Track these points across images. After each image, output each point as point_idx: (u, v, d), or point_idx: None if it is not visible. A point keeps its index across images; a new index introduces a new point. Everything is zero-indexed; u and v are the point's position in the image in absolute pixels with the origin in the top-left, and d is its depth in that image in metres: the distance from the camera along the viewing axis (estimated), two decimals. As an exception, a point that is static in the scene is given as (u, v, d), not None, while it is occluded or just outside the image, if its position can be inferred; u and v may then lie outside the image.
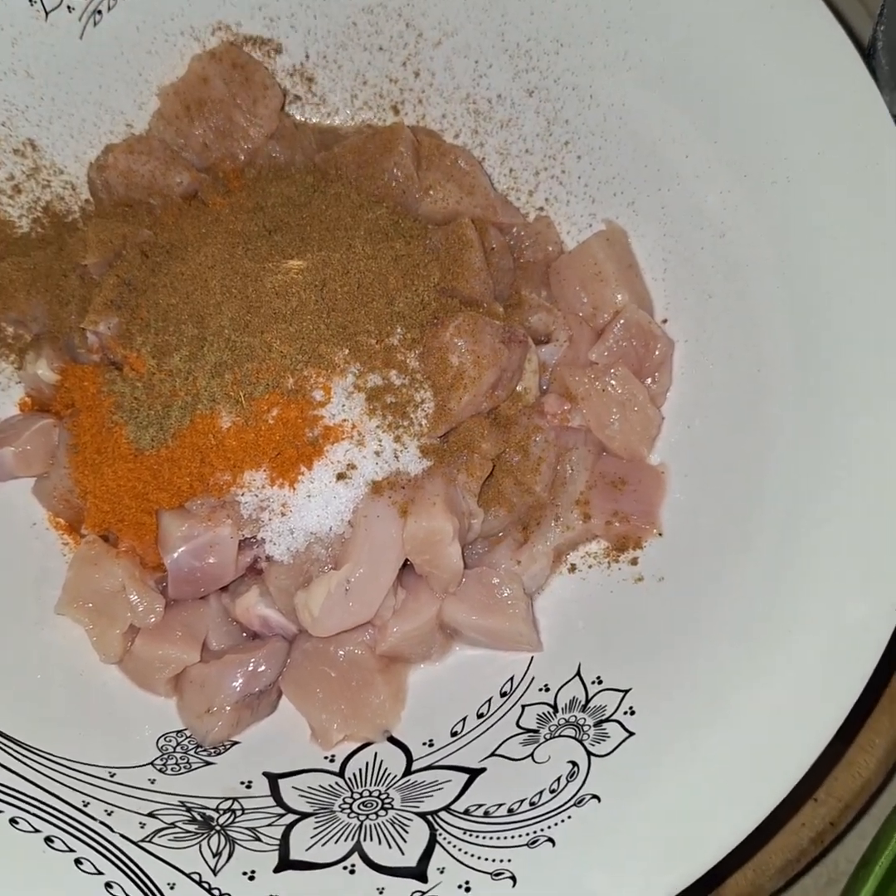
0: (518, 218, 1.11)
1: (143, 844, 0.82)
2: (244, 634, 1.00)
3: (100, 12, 1.04)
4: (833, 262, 0.93)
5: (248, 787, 0.91)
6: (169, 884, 0.80)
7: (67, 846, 0.80)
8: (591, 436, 1.05)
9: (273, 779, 0.92)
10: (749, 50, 0.96)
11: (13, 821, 0.81)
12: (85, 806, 0.84)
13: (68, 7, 1.03)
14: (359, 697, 0.97)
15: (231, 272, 0.95)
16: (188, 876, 0.81)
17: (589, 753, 0.87)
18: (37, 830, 0.81)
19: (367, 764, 0.94)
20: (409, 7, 1.08)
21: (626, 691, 0.90)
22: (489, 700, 0.97)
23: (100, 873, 0.79)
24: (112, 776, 0.88)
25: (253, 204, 1.04)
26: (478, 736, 0.94)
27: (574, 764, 0.87)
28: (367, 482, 0.94)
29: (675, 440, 1.04)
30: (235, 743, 0.96)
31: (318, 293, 0.94)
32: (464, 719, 0.96)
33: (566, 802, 0.84)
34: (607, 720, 0.89)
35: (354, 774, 0.93)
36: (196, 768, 0.92)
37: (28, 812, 0.82)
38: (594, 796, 0.84)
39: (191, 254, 0.99)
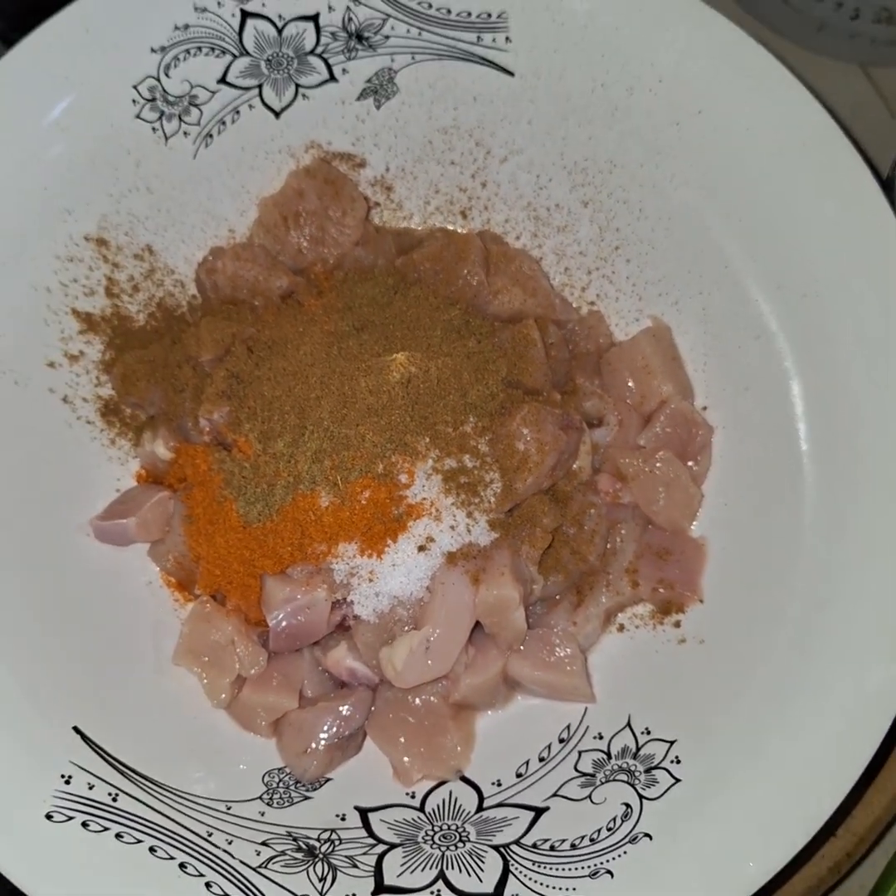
0: (573, 314, 1.25)
1: (260, 870, 0.95)
2: (333, 683, 1.14)
3: (211, 136, 1.19)
4: (854, 369, 1.05)
5: (343, 819, 1.04)
6: (285, 904, 0.94)
7: (198, 871, 0.93)
8: (639, 511, 1.17)
9: (364, 812, 1.05)
10: (783, 179, 1.09)
11: (152, 849, 0.94)
12: (209, 836, 0.97)
13: (184, 132, 1.17)
14: (434, 741, 1.10)
15: (328, 371, 1.09)
16: (300, 898, 0.94)
17: (641, 797, 1.00)
18: (172, 857, 0.94)
19: (443, 800, 1.07)
20: (480, 129, 1.22)
21: (673, 742, 1.03)
22: (549, 746, 1.09)
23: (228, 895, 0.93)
24: (228, 809, 1.01)
25: (342, 304, 1.17)
26: (540, 778, 1.06)
27: (628, 805, 1.00)
28: (443, 553, 1.06)
29: (715, 516, 1.16)
30: (329, 779, 1.08)
31: (404, 389, 1.08)
32: (527, 762, 1.08)
33: (622, 839, 0.97)
34: (656, 767, 1.02)
35: (433, 810, 1.06)
36: (297, 802, 1.05)
37: (163, 841, 0.95)
38: (646, 835, 0.96)
39: (291, 351, 1.13)
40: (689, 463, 1.18)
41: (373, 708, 1.12)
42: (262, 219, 1.22)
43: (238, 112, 1.18)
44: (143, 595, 1.16)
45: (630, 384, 1.21)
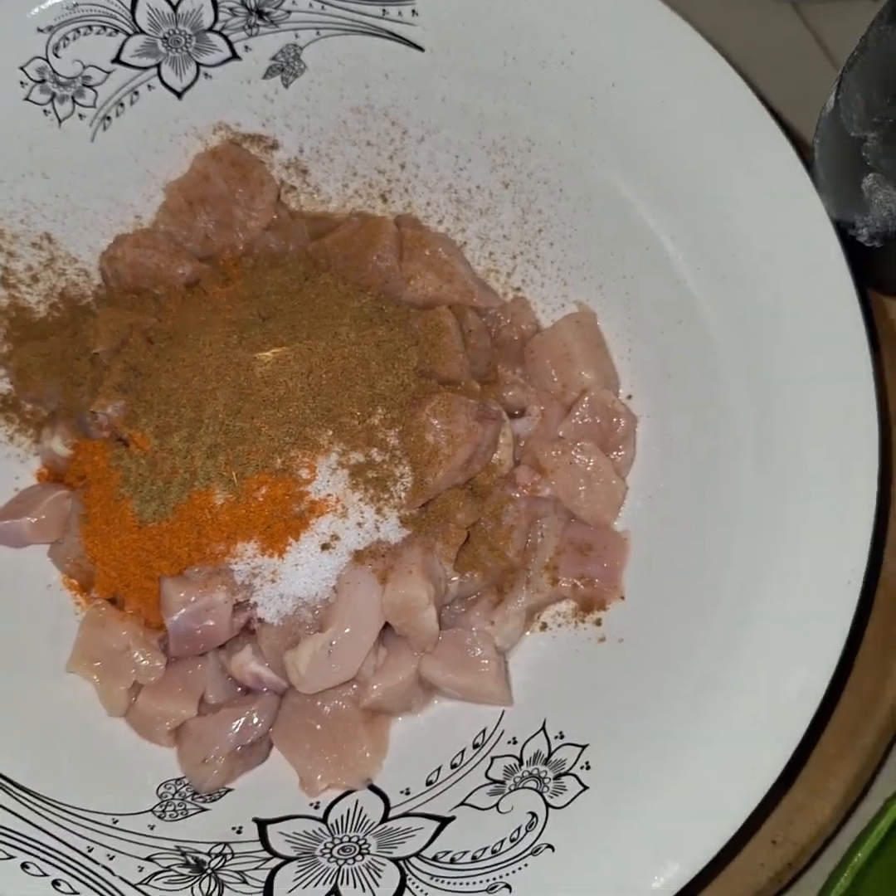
0: (495, 300, 1.19)
1: (140, 887, 0.91)
2: (239, 689, 1.09)
3: (109, 118, 1.13)
4: (777, 351, 1.00)
5: (239, 832, 0.99)
6: (163, 924, 0.89)
7: (72, 888, 0.89)
8: (560, 505, 1.12)
9: (262, 824, 1.00)
10: (703, 157, 1.03)
11: (24, 865, 0.89)
12: (89, 851, 0.93)
13: (80, 115, 1.12)
14: (343, 748, 1.05)
15: (225, 361, 1.04)
16: (181, 917, 0.90)
17: (547, 805, 0.95)
18: (45, 874, 0.89)
19: (348, 811, 1.02)
20: (395, 108, 1.17)
21: (584, 747, 0.98)
22: (463, 751, 1.05)
23: (101, 914, 0.89)
24: (115, 823, 0.97)
25: (249, 292, 1.13)
26: (450, 785, 1.02)
27: (533, 815, 0.95)
28: (349, 551, 1.02)
29: (639, 508, 1.11)
30: (229, 790, 1.04)
31: (304, 380, 1.03)
32: (439, 769, 1.04)
33: (524, 851, 0.92)
34: (565, 774, 0.97)
35: (336, 821, 1.01)
36: (192, 814, 1.00)
37: (37, 857, 0.90)
38: (549, 846, 0.91)
39: (191, 341, 1.08)
40: (612, 453, 1.13)
41: (279, 714, 1.07)
42: (167, 204, 1.18)
43: (136, 93, 1.13)
44: (42, 598, 1.12)
45: (552, 373, 1.16)
